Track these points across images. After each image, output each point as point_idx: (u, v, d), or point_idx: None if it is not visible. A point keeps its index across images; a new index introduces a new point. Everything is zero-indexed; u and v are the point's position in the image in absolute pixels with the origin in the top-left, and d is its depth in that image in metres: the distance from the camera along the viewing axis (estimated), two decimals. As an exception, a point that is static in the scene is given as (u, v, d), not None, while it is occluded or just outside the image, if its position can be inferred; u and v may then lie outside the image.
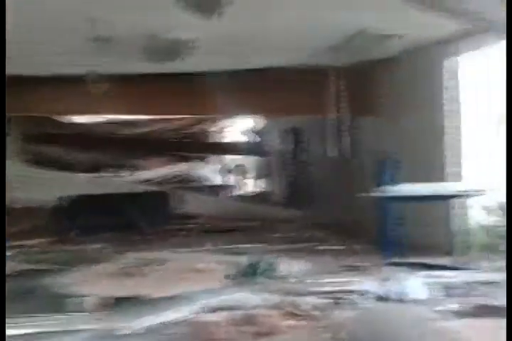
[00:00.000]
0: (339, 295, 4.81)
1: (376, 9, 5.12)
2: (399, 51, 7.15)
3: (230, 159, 15.30)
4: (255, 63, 7.67)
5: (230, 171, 14.96)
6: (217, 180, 15.91)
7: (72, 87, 7.48)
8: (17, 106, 7.24)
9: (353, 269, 5.97)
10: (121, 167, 14.60)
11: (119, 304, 4.75)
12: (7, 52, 4.56)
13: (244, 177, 15.09)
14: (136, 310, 4.56)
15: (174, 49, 6.33)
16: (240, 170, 14.97)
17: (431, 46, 6.79)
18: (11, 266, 6.00)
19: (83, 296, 4.88)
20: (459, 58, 6.65)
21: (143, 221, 9.46)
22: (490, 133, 6.77)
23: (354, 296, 4.79)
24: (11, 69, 5.60)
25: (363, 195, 6.69)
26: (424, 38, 6.58)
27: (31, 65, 7.02)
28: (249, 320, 4.30)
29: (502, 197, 6.40)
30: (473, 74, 6.67)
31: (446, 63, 6.71)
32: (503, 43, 5.60)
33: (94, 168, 13.95)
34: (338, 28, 5.97)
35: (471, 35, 5.95)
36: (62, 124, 13.49)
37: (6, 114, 6.30)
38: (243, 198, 13.40)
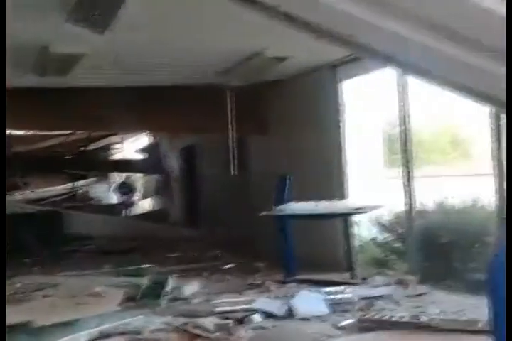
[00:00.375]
0: (241, 314, 4.79)
1: (270, 33, 5.28)
2: (291, 73, 7.40)
3: (126, 177, 14.97)
4: (150, 80, 7.59)
5: (125, 189, 14.61)
6: (113, 198, 15.49)
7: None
8: None
9: (255, 287, 5.99)
10: (11, 186, 13.82)
11: (7, 333, 4.43)
12: None
13: (140, 196, 14.80)
14: (24, 340, 4.29)
15: (66, 63, 6.14)
16: (136, 189, 14.67)
17: (319, 69, 7.09)
18: None
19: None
20: (344, 81, 6.97)
21: (35, 243, 8.98)
22: (373, 152, 7.12)
23: (256, 315, 4.79)
24: None
25: (262, 213, 6.74)
26: (312, 62, 6.87)
27: None
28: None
29: (391, 214, 6.74)
30: (359, 96, 7.00)
31: (335, 86, 7.01)
32: (385, 69, 5.97)
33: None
34: (234, 49, 6.08)
35: (357, 60, 6.27)
36: None
37: None
38: (140, 217, 13.12)
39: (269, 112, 8.37)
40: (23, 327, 4.50)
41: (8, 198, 12.90)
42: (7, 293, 5.58)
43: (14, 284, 6.18)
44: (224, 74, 7.14)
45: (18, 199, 13.15)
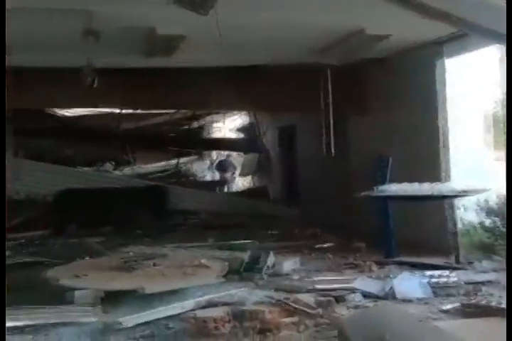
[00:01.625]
0: (340, 293, 4.82)
1: (370, 11, 5.17)
2: (392, 51, 7.20)
3: (225, 155, 15.31)
4: (250, 60, 7.66)
5: (225, 167, 14.96)
6: (213, 175, 15.90)
7: (68, 80, 7.36)
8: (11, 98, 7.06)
9: (354, 267, 5.99)
10: (119, 161, 14.55)
11: (120, 298, 4.73)
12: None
13: (240, 174, 15.08)
14: (136, 305, 4.54)
15: (171, 44, 6.32)
16: (236, 167, 14.96)
17: (421, 47, 6.85)
18: (9, 257, 6.00)
19: (79, 289, 4.84)
20: (447, 59, 6.68)
21: (142, 215, 9.44)
22: (479, 133, 6.79)
23: (355, 294, 4.80)
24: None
25: (362, 193, 6.68)
26: (414, 40, 6.66)
27: (27, 57, 6.93)
28: (250, 316, 4.29)
29: (499, 198, 6.44)
30: (460, 75, 6.70)
31: (436, 64, 6.75)
32: (487, 47, 5.66)
33: (91, 162, 13.90)
34: (333, 27, 6.00)
35: (457, 38, 6.03)
36: (57, 118, 13.41)
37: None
38: (240, 194, 13.40)
39: (369, 91, 8.22)
40: (134, 293, 4.77)
41: (118, 173, 13.61)
42: (119, 261, 5.96)
43: (127, 253, 6.56)
44: (323, 53, 7.08)
45: (127, 173, 13.82)
